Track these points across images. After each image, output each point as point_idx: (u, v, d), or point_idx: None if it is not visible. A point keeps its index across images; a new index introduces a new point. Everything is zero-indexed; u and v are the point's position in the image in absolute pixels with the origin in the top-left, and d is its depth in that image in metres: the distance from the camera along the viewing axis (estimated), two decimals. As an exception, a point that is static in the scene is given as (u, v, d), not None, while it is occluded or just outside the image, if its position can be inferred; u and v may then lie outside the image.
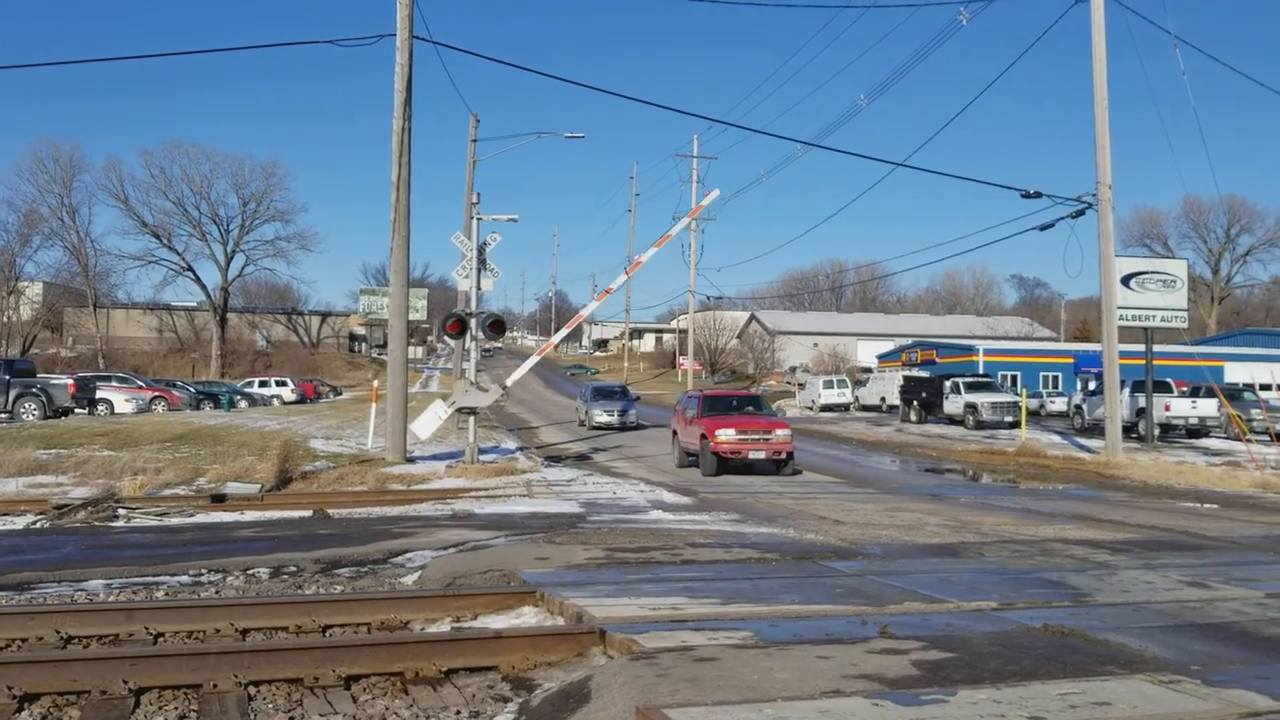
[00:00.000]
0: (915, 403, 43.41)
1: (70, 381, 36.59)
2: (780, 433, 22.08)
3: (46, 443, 22.56)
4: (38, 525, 13.30)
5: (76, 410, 36.03)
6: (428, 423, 21.13)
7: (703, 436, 21.89)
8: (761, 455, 21.73)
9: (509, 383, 23.95)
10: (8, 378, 33.39)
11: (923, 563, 10.24)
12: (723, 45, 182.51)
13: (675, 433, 24.89)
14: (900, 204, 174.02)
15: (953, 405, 40.22)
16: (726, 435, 21.57)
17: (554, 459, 25.52)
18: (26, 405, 33.42)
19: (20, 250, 71.09)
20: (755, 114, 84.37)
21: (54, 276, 78.10)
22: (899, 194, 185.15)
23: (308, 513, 14.50)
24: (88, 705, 5.71)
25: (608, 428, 36.81)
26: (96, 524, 13.43)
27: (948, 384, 41.29)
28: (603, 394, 40.34)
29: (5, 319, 67.43)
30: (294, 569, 10.06)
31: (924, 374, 48.87)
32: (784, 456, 21.89)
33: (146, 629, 7.26)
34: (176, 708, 5.76)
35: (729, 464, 21.73)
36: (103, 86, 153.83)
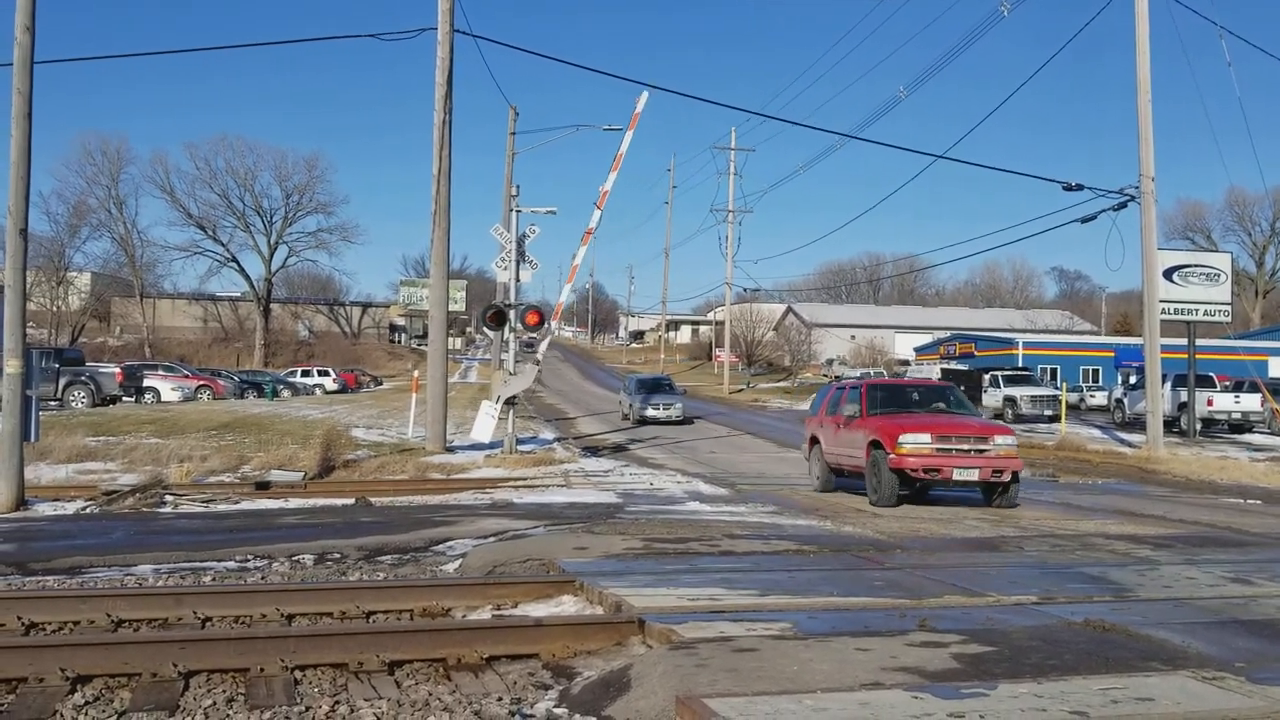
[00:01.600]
0: (954, 396, 43.05)
1: (118, 370, 37.28)
2: (1002, 441, 15.20)
3: (95, 430, 22.99)
4: (88, 510, 13.59)
5: (124, 398, 36.67)
6: (484, 425, 21.30)
7: (873, 445, 15.32)
8: (973, 475, 14.87)
9: (538, 355, 23.97)
10: (57, 366, 34.03)
11: (962, 556, 10.21)
12: (761, 38, 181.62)
13: (814, 441, 17.89)
14: (939, 197, 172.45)
15: (992, 398, 39.88)
16: (916, 443, 14.73)
17: (591, 450, 25.64)
18: (75, 393, 34.05)
19: (69, 241, 72.49)
20: (793, 106, 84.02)
21: (102, 267, 79.50)
22: (938, 187, 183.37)
23: (350, 500, 14.70)
24: (138, 687, 5.83)
25: (653, 422, 35.23)
26: (145, 510, 13.70)
27: (987, 377, 40.96)
28: (648, 387, 38.42)
29: (54, 309, 68.69)
30: (338, 556, 10.21)
31: (962, 367, 48.50)
32: (1008, 478, 15.05)
33: (195, 613, 7.40)
34: (224, 690, 5.88)
35: (914, 486, 15.29)
36: (148, 79, 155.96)
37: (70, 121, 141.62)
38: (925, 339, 72.92)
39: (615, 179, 23.67)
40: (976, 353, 58.10)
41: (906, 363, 65.82)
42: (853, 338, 79.32)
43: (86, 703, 5.58)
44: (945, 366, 50.30)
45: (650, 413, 35.57)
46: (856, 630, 6.52)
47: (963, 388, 41.82)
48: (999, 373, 41.39)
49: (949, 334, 68.95)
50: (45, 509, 13.80)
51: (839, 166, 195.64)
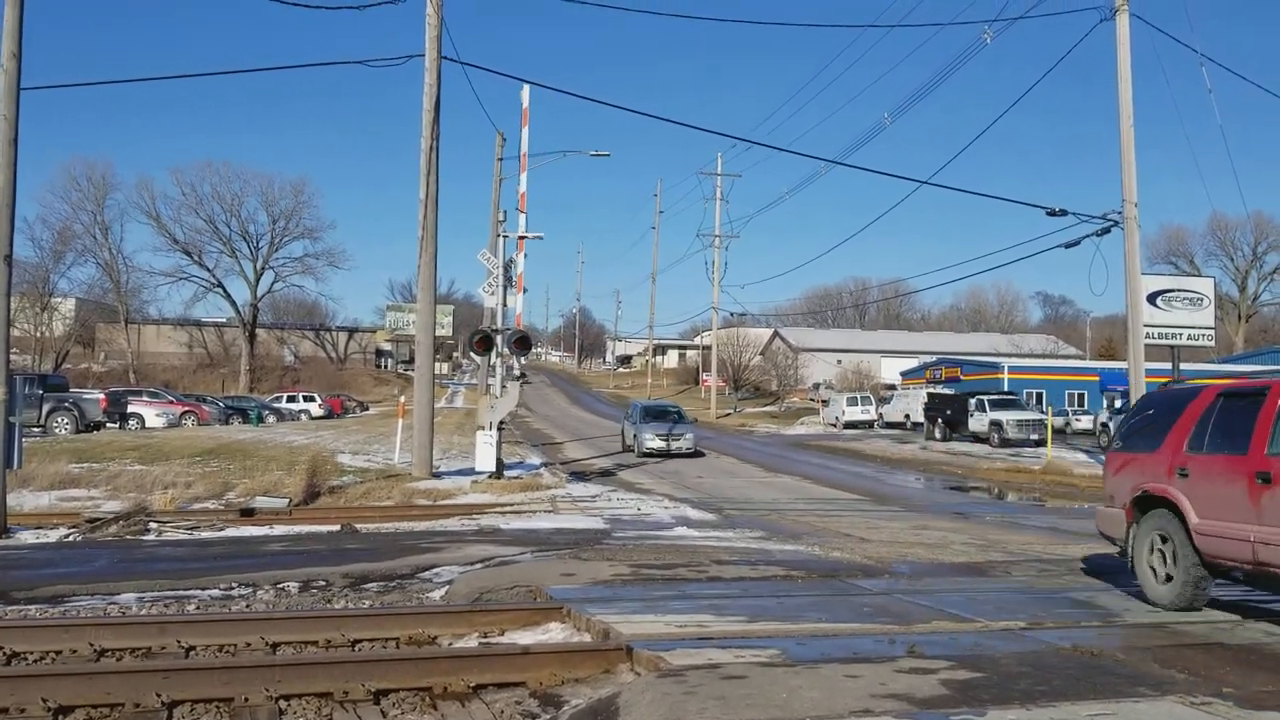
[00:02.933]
0: (940, 420, 43.18)
1: (102, 396, 36.98)
2: None
3: (79, 457, 22.82)
4: (71, 538, 13.46)
5: (108, 425, 36.39)
6: (485, 455, 21.20)
7: None
8: None
9: (516, 371, 23.75)
10: (41, 392, 33.77)
11: (950, 581, 10.21)
12: (749, 63, 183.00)
13: (1143, 501, 9.07)
14: (925, 221, 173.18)
15: (977, 423, 39.98)
16: None
17: (578, 475, 25.57)
18: (59, 419, 33.78)
19: (54, 267, 71.99)
20: (780, 131, 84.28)
21: (86, 293, 79.04)
22: (923, 211, 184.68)
23: (336, 527, 14.60)
24: (121, 717, 5.78)
25: (661, 455, 31.64)
26: (128, 537, 13.57)
27: (972, 401, 41.05)
28: (654, 415, 34.59)
29: (39, 334, 68.25)
30: (323, 583, 10.14)
31: (948, 391, 48.62)
32: None
33: (178, 642, 7.34)
34: (209, 720, 5.83)
35: None
36: (134, 105, 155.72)
37: (55, 147, 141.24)
38: (911, 363, 73.11)
39: (527, 179, 24.01)
40: (962, 377, 58.29)
41: (893, 387, 66.02)
42: (839, 362, 79.45)
43: (68, 734, 5.52)
44: (932, 391, 50.44)
45: (658, 444, 31.99)
46: (846, 657, 6.51)
47: (949, 412, 42.45)
48: (985, 397, 41.49)
49: (935, 358, 69.14)
50: (28, 537, 13.66)
51: (825, 191, 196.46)
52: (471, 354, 24.20)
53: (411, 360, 35.81)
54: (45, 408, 33.67)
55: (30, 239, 71.01)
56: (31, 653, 7.12)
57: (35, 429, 32.40)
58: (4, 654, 7.00)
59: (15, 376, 14.74)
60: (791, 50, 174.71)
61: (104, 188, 76.37)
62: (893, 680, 5.86)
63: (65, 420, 33.88)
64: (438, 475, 21.64)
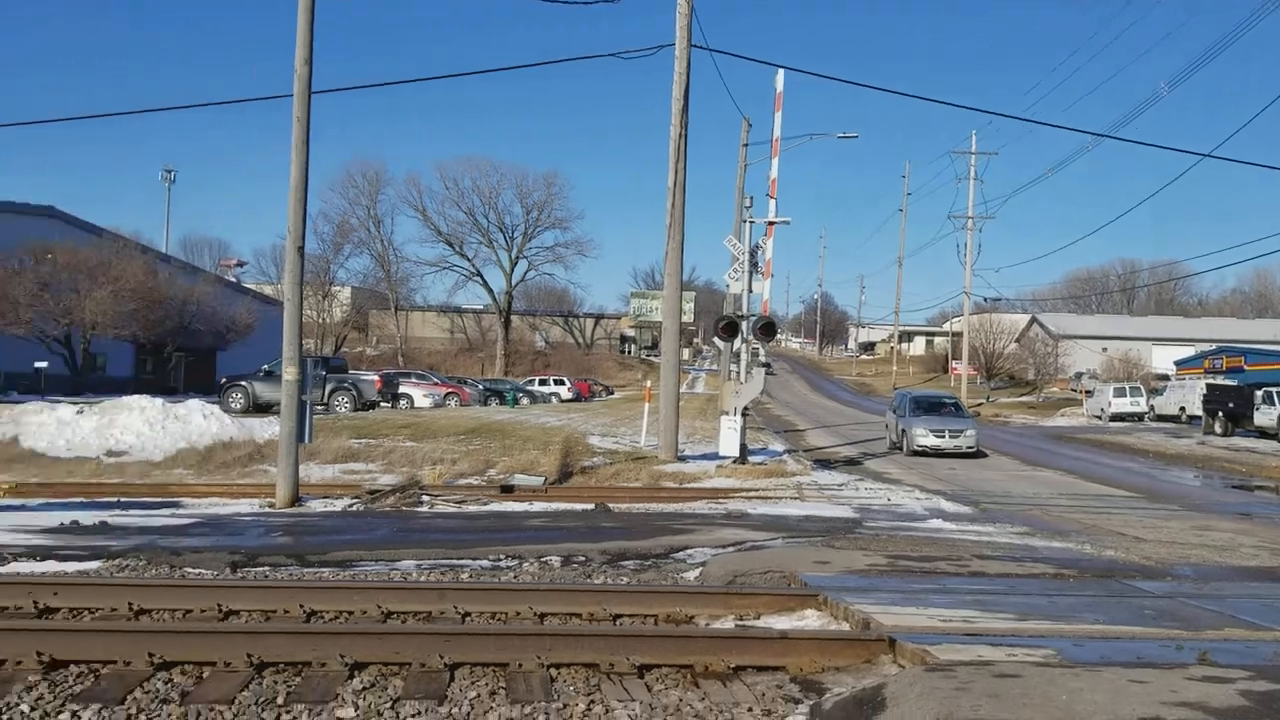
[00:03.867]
0: (1220, 414, 39.71)
1: (378, 378, 39.87)
2: None
3: (357, 433, 24.72)
4: (354, 508, 14.61)
5: (381, 404, 39.23)
6: (729, 440, 21.39)
7: None
8: None
9: (762, 358, 23.58)
10: (324, 373, 36.80)
11: (1240, 586, 9.38)
12: (1006, 36, 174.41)
13: None
14: (1204, 198, 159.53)
15: (1264, 417, 36.47)
16: None
17: (823, 463, 25.28)
18: (339, 399, 36.70)
19: (334, 258, 78.57)
20: (1040, 107, 79.46)
21: (361, 282, 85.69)
22: (1202, 187, 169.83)
23: (589, 506, 15.10)
24: (409, 676, 6.18)
25: (935, 454, 27.42)
26: (404, 509, 14.58)
27: (1258, 394, 37.49)
28: (927, 407, 30.14)
29: (320, 321, 74.51)
30: (582, 559, 10.50)
31: (1230, 382, 44.66)
32: None
33: (455, 608, 7.79)
34: (487, 683, 6.14)
35: None
36: (401, 105, 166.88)
37: (335, 148, 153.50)
38: (1187, 351, 67.62)
39: (778, 164, 23.98)
40: (1246, 367, 53.34)
41: (1166, 377, 61.37)
42: (1104, 350, 74.56)
43: (364, 688, 5.96)
44: (1211, 382, 46.53)
45: (932, 441, 27.64)
46: (1128, 661, 6.09)
47: (1231, 405, 38.97)
48: (1273, 389, 37.79)
49: (1214, 346, 63.61)
50: (316, 505, 14.95)
51: (1091, 168, 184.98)
52: (715, 340, 24.39)
53: (654, 346, 36.53)
54: (328, 388, 36.64)
55: (314, 232, 77.69)
56: (327, 612, 7.76)
57: (319, 407, 35.27)
58: (304, 611, 7.66)
59: (306, 358, 16.12)
60: (1056, 21, 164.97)
61: (377, 184, 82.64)
62: (1184, 688, 5.43)
63: (345, 399, 36.75)
64: (682, 459, 21.97)
